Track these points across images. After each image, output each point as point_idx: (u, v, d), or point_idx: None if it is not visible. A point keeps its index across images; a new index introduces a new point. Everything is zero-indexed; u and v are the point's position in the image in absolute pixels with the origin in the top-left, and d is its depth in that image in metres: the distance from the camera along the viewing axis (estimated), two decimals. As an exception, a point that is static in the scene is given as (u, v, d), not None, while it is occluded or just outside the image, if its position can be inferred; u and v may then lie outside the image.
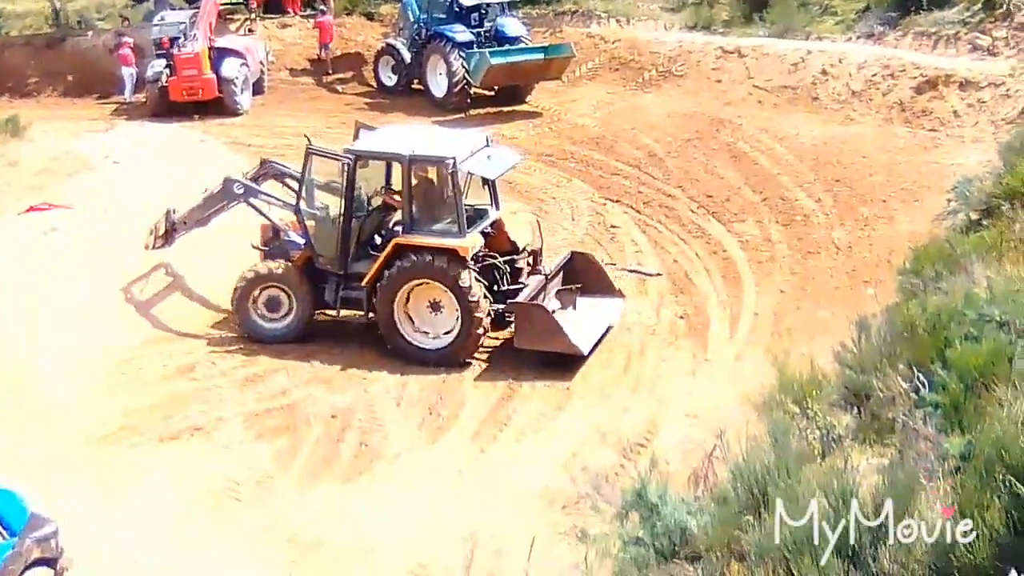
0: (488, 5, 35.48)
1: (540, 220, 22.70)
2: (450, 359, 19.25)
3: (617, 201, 26.38)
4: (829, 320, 19.18)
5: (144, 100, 36.19)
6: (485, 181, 19.95)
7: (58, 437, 17.23)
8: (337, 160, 19.59)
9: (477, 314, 19.04)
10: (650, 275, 22.40)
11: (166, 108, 34.98)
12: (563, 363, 18.97)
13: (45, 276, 22.00)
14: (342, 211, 19.70)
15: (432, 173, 19.87)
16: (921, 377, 11.27)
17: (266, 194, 20.98)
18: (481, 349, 19.55)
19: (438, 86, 34.83)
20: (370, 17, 41.10)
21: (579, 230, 24.79)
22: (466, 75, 33.92)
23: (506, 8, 36.24)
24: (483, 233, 19.79)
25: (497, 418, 17.64)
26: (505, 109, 34.34)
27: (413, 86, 36.15)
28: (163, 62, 35.34)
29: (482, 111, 34.19)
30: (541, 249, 20.67)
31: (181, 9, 39.58)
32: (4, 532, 12.73)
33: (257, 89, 36.78)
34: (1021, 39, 30.54)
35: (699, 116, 31.60)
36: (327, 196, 20.50)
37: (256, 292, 20.20)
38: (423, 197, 19.63)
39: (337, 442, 17.14)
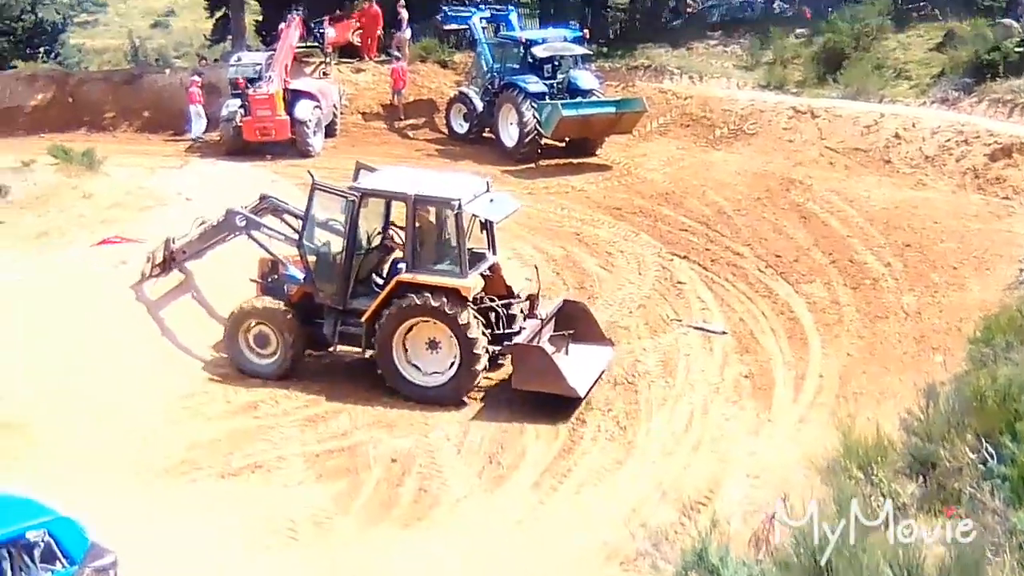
0: (562, 57, 35.62)
1: (535, 267, 22.91)
2: (446, 397, 19.54)
3: (684, 257, 26.31)
4: (896, 386, 19.03)
5: (218, 139, 36.58)
6: (483, 225, 20.42)
7: (121, 469, 17.37)
8: (342, 197, 20.01)
9: (476, 351, 19.37)
10: (716, 333, 22.31)
11: (239, 147, 35.37)
12: (624, 416, 19.02)
13: (114, 309, 22.24)
14: (344, 247, 20.05)
15: (435, 214, 20.16)
16: (989, 448, 11.17)
17: (268, 227, 21.09)
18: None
19: (509, 135, 34.96)
20: (444, 65, 41.37)
21: (645, 285, 24.74)
22: (537, 126, 34.03)
23: (580, 61, 36.37)
24: (481, 276, 20.29)
25: (558, 469, 17.57)
26: (575, 161, 34.38)
27: (484, 134, 36.33)
28: (238, 102, 35.76)
29: (552, 162, 34.27)
30: (538, 294, 20.98)
31: (258, 50, 40.14)
32: (64, 560, 12.78)
33: (329, 132, 37.14)
34: (1096, 110, 30.36)
35: (769, 175, 31.51)
36: (324, 233, 20.82)
37: (246, 327, 20.56)
38: (425, 237, 20.04)
39: (397, 486, 17.14)
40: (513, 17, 38.58)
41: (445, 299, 19.30)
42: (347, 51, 41.89)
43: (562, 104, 33.87)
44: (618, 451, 18.17)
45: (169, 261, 21.60)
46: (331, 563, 15.16)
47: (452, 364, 19.59)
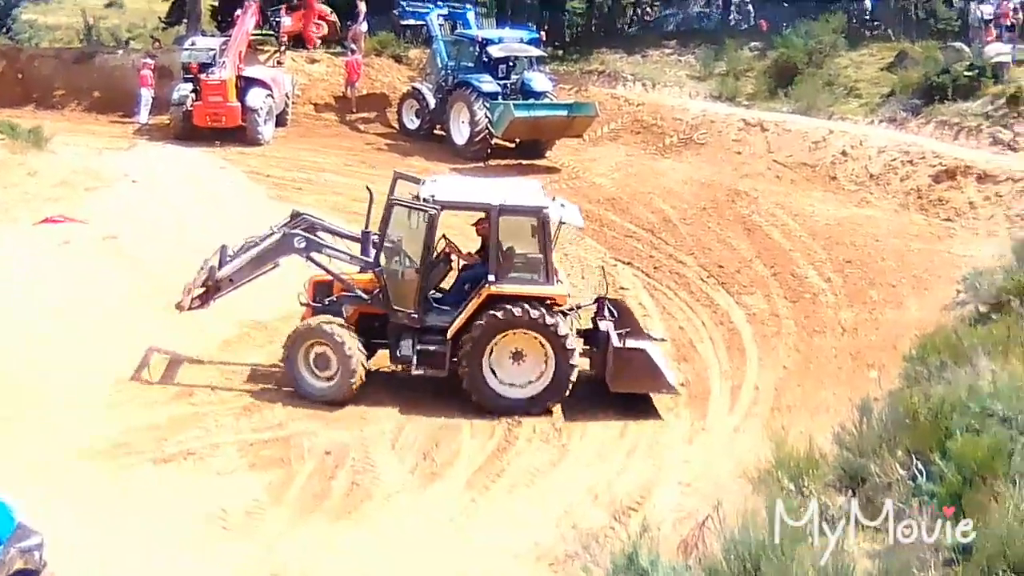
0: (517, 58, 35.72)
1: (605, 267, 22.72)
2: (535, 408, 19.29)
3: (628, 263, 26.43)
4: (830, 400, 19.23)
5: (167, 122, 36.34)
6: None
7: (53, 450, 17.14)
8: (422, 211, 19.23)
9: (572, 362, 19.20)
10: (654, 340, 22.40)
11: (189, 132, 35.19)
12: (562, 419, 19.13)
13: (54, 289, 22.05)
14: (420, 262, 19.40)
15: (517, 222, 19.76)
16: (919, 465, 11.29)
17: (330, 247, 20.19)
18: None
19: (460, 134, 34.99)
20: (398, 60, 41.36)
21: (587, 289, 24.79)
22: (489, 125, 34.07)
23: (534, 63, 36.49)
24: None
25: (491, 469, 17.57)
26: (524, 162, 34.44)
27: (435, 131, 36.36)
28: (190, 86, 35.58)
29: (502, 162, 34.31)
30: (607, 296, 20.95)
31: (213, 35, 39.91)
32: (-10, 540, 12.66)
33: (280, 121, 36.97)
34: (1042, 136, 30.74)
35: (716, 186, 31.71)
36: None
37: (307, 348, 19.39)
38: (507, 247, 19.61)
39: (329, 479, 17.05)
40: (470, 15, 38.61)
41: (542, 309, 19.11)
42: (302, 41, 41.71)
43: (514, 105, 33.97)
44: (553, 453, 18.21)
45: (213, 291, 20.21)
46: (261, 553, 15.08)
47: (541, 374, 19.33)
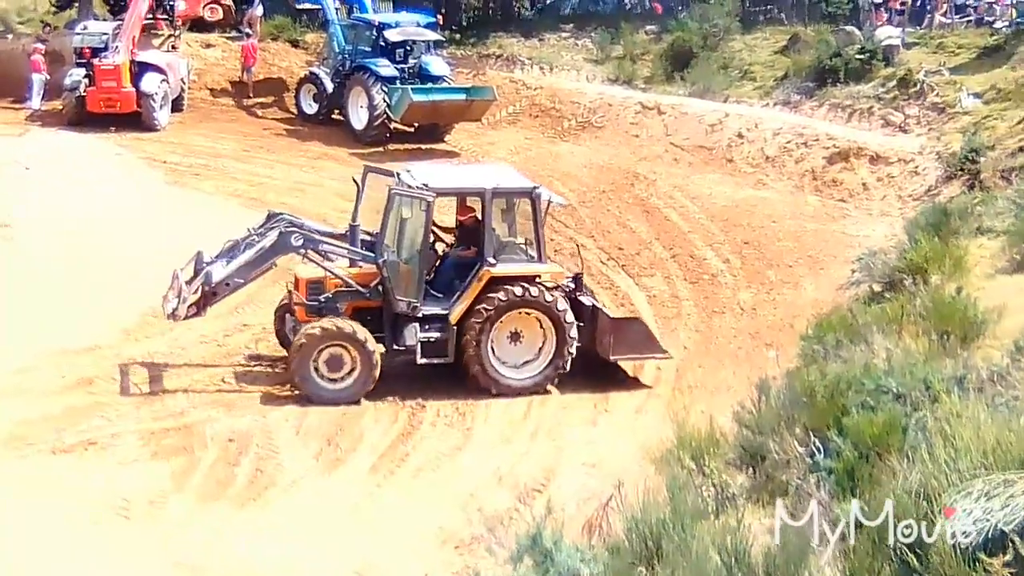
0: (414, 42, 35.60)
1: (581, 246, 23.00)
2: (538, 387, 19.61)
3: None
4: (730, 380, 19.53)
5: (60, 108, 35.75)
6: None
7: (-53, 443, 16.97)
8: (420, 199, 19.28)
9: (572, 336, 19.54)
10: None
11: (82, 118, 34.60)
12: (463, 403, 19.18)
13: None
14: (419, 251, 19.54)
15: (506, 204, 20.26)
16: (817, 442, 11.46)
17: (330, 243, 20.02)
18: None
19: (358, 118, 34.83)
20: (295, 44, 41.03)
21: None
22: (387, 109, 33.97)
23: (432, 47, 36.42)
24: None
25: (395, 454, 17.63)
26: (423, 146, 34.39)
27: (333, 116, 36.13)
28: (83, 71, 34.97)
29: (401, 146, 34.21)
30: (582, 273, 21.19)
31: (105, 20, 39.29)
32: None
33: (176, 106, 36.51)
34: (932, 118, 31.26)
35: (615, 169, 31.93)
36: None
37: (317, 353, 19.04)
38: (498, 229, 20.02)
39: (233, 466, 17.00)
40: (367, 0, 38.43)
41: (542, 288, 19.41)
42: (197, 25, 41.24)
43: (412, 89, 33.88)
44: (457, 437, 18.31)
45: (209, 298, 19.68)
46: (163, 541, 14.99)
47: (539, 353, 19.63)
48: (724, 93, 36.08)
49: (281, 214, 20.59)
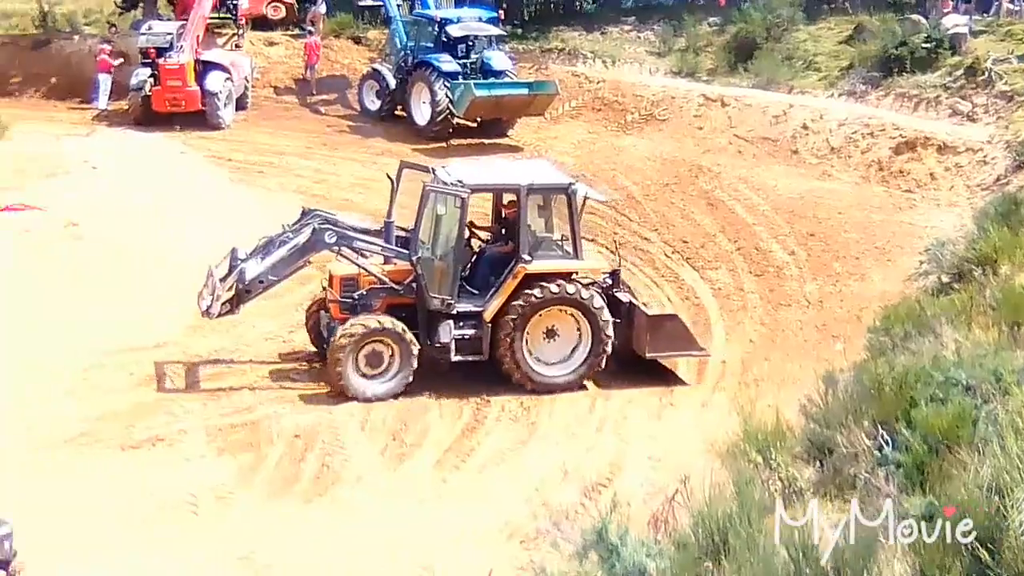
0: (476, 37, 35.58)
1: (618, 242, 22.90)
2: (573, 384, 19.51)
3: (592, 240, 26.29)
4: (797, 373, 19.34)
5: (127, 107, 36.09)
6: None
7: (18, 439, 17.15)
8: (455, 195, 19.25)
9: (608, 333, 19.42)
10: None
11: (148, 117, 34.94)
12: (529, 397, 19.12)
13: (13, 278, 21.97)
14: (453, 248, 19.46)
15: (543, 200, 20.07)
16: (885, 435, 11.33)
17: (364, 240, 19.91)
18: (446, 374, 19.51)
19: (421, 114, 34.86)
20: (357, 41, 41.13)
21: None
22: (450, 105, 33.96)
23: (494, 41, 36.37)
24: None
25: (461, 448, 17.64)
26: (486, 141, 34.39)
27: (396, 112, 36.18)
28: (148, 71, 35.28)
29: (464, 142, 34.21)
30: (619, 269, 20.94)
31: (170, 20, 39.59)
32: (-42, 531, 12.60)
33: (240, 105, 36.74)
34: (1000, 107, 30.88)
35: (679, 161, 31.75)
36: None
37: (357, 351, 18.94)
38: (534, 225, 19.88)
39: (299, 462, 17.09)
40: (429, -5, 38.50)
41: (576, 284, 19.33)
42: (260, 23, 41.50)
43: (475, 84, 33.87)
44: (521, 431, 18.29)
45: (243, 295, 19.53)
46: (231, 537, 15.08)
47: (575, 350, 19.52)
48: (788, 84, 35.81)
49: (315, 211, 20.45)
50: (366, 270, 19.66)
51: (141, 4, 44.45)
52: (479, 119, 35.18)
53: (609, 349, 19.60)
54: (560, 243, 20.02)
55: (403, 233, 19.97)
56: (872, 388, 12.58)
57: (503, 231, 20.42)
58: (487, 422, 18.50)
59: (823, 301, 23.24)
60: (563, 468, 16.92)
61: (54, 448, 17.04)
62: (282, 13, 41.41)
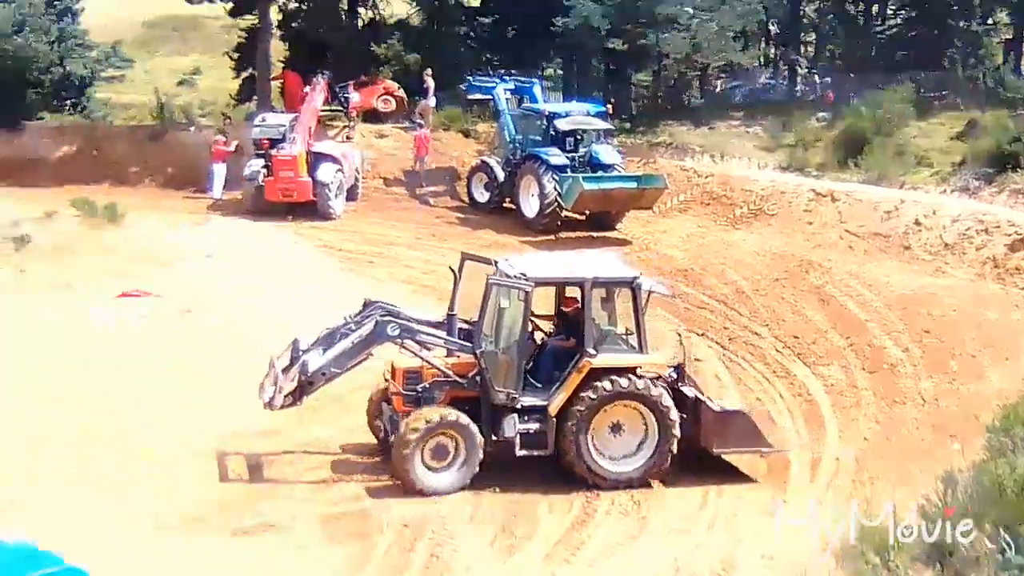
0: (584, 131, 35.81)
1: (682, 335, 22.78)
2: (637, 480, 19.21)
3: (702, 335, 26.31)
4: (913, 472, 18.94)
5: (240, 197, 36.76)
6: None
7: (132, 521, 17.33)
8: (519, 288, 19.13)
9: (675, 432, 19.17)
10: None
11: (261, 207, 35.54)
12: (638, 492, 18.98)
13: (130, 362, 22.33)
14: (517, 340, 19.32)
15: (606, 293, 19.93)
16: (1007, 538, 11.10)
17: (427, 332, 19.82)
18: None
19: (530, 207, 35.05)
20: (466, 134, 41.58)
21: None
22: (558, 198, 34.10)
23: (602, 135, 36.60)
24: None
25: (571, 541, 17.43)
26: (595, 235, 34.45)
27: (504, 204, 36.44)
28: (261, 162, 35.95)
29: (572, 235, 34.34)
30: (685, 363, 20.72)
31: (283, 112, 40.39)
32: (73, 612, 12.71)
33: (351, 195, 37.24)
34: (1117, 205, 30.45)
35: (789, 256, 31.51)
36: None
37: (423, 444, 18.72)
38: (598, 319, 19.70)
39: (408, 552, 17.00)
40: (537, 90, 38.86)
41: (645, 379, 19.19)
42: (370, 116, 42.17)
43: (583, 177, 34.01)
44: (632, 526, 18.06)
45: (305, 387, 19.31)
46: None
47: (641, 446, 19.27)
48: (899, 179, 35.56)
49: (377, 302, 20.26)
50: (429, 363, 19.50)
51: (255, 97, 45.48)
52: (587, 212, 35.27)
53: (676, 445, 19.29)
54: (624, 337, 19.81)
55: (465, 325, 19.88)
56: (993, 489, 12.34)
57: (564, 324, 20.25)
58: (597, 515, 18.30)
59: (939, 399, 22.79)
60: (674, 564, 16.64)
61: (167, 531, 17.18)
62: (392, 106, 42.06)
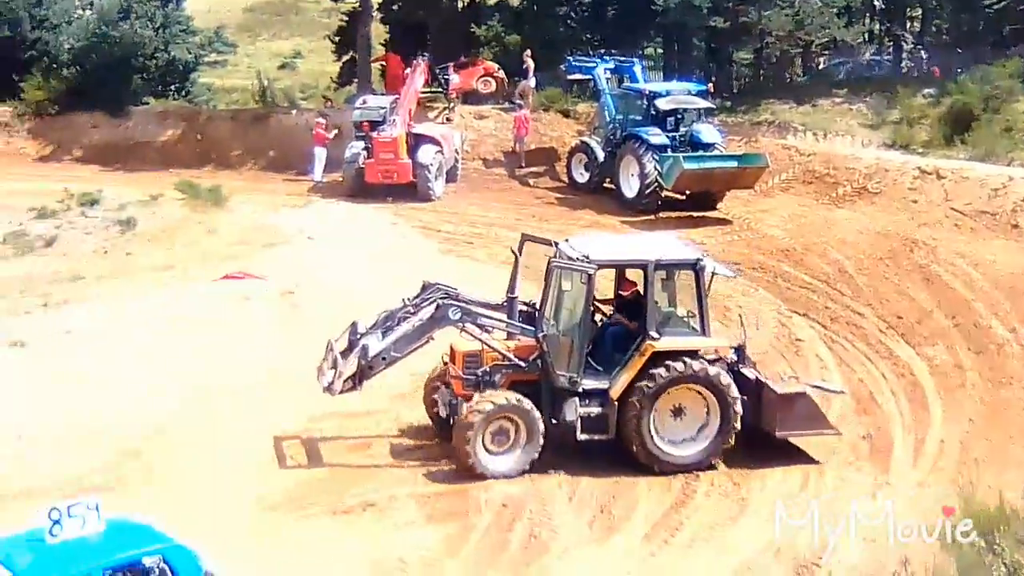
0: (685, 110, 35.57)
1: (743, 315, 22.50)
2: (699, 464, 18.98)
3: (804, 315, 26.02)
4: (1020, 454, 18.61)
5: (341, 180, 37.06)
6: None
7: (234, 500, 17.54)
8: (581, 271, 18.89)
9: (737, 411, 18.92)
10: (834, 392, 21.90)
11: (361, 189, 35.84)
12: (738, 473, 18.84)
13: (235, 343, 22.61)
14: (580, 324, 19.11)
15: (667, 276, 19.62)
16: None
17: (488, 315, 19.50)
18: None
19: (629, 187, 34.93)
20: (566, 114, 41.49)
21: (763, 341, 24.44)
22: (658, 178, 33.94)
23: (703, 114, 36.29)
24: None
25: (669, 523, 17.34)
26: (695, 214, 34.28)
27: (604, 184, 36.36)
28: (361, 144, 36.23)
29: (672, 215, 34.18)
30: (744, 345, 20.33)
31: (383, 94, 40.63)
32: (179, 588, 12.92)
33: (450, 177, 37.40)
34: None
35: (893, 235, 30.98)
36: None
37: (485, 428, 18.56)
38: (660, 301, 19.44)
39: (507, 532, 17.02)
40: (637, 69, 38.72)
41: (706, 362, 19.01)
42: (470, 97, 42.26)
43: (684, 157, 33.79)
44: (732, 507, 17.91)
45: (365, 372, 19.21)
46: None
47: (702, 428, 19.05)
48: (1008, 156, 34.76)
49: (436, 284, 19.88)
50: (490, 346, 19.33)
51: (355, 80, 45.79)
52: (688, 192, 35.09)
53: (738, 427, 19.02)
54: (686, 319, 19.53)
55: (526, 308, 19.75)
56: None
57: (623, 306, 20.01)
58: (696, 497, 18.18)
59: (1047, 381, 22.35)
60: (774, 545, 16.49)
61: (269, 511, 17.41)
62: (492, 87, 42.20)
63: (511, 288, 19.97)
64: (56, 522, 12.45)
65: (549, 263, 19.37)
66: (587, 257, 19.04)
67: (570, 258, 19.23)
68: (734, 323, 24.83)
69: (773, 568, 15.76)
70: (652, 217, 33.70)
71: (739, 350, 20.07)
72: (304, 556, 16.05)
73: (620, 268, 20.17)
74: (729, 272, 21.09)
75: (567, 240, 20.42)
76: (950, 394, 22.11)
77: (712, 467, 19.02)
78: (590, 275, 18.80)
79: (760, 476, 18.78)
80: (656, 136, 34.53)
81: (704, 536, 17.05)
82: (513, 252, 20.22)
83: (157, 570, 12.95)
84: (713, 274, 19.54)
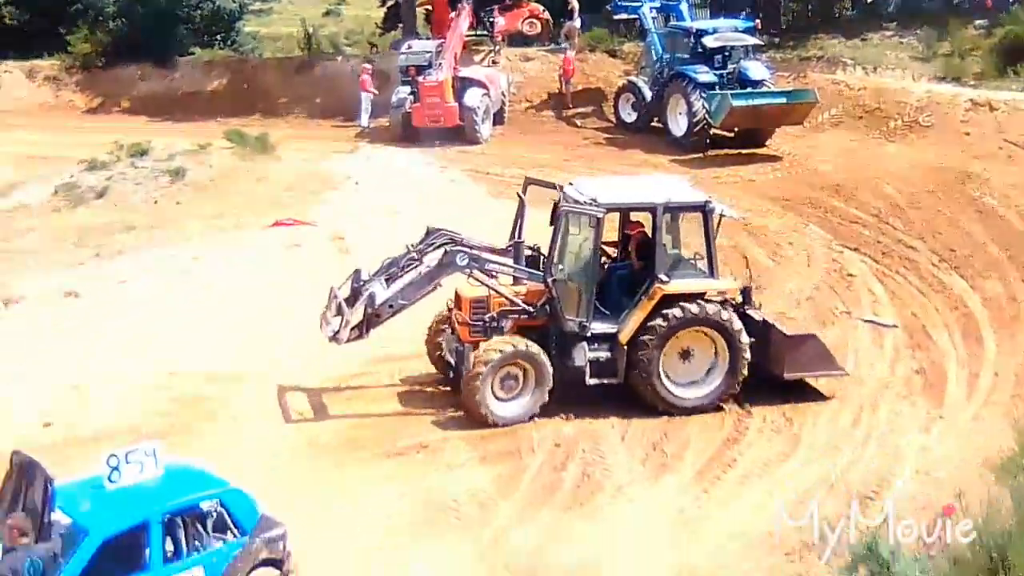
0: (732, 47, 35.18)
1: (746, 257, 22.58)
2: (708, 407, 18.89)
3: (855, 250, 25.82)
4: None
5: (387, 125, 37.07)
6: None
7: (289, 444, 17.78)
8: (590, 215, 18.70)
9: (746, 355, 18.78)
10: (886, 326, 21.83)
11: (409, 134, 35.83)
12: (790, 409, 18.79)
13: (285, 289, 22.74)
14: (588, 268, 18.95)
15: (675, 219, 19.45)
16: None
17: (495, 261, 19.32)
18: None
19: (678, 125, 34.72)
20: (613, 54, 41.27)
21: (815, 276, 24.34)
22: (707, 116, 33.70)
23: (751, 51, 35.89)
24: None
25: (722, 459, 17.37)
26: (744, 152, 34.00)
27: (652, 124, 36.13)
28: (408, 89, 36.22)
29: (721, 152, 33.94)
30: (751, 287, 20.23)
31: (428, 39, 40.53)
32: (235, 530, 13.11)
33: (498, 119, 37.37)
34: None
35: (945, 168, 30.64)
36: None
37: (495, 374, 18.43)
38: (668, 244, 19.28)
39: (559, 471, 17.08)
40: (683, 7, 38.26)
41: (715, 305, 18.84)
42: (516, 39, 42.06)
43: (732, 94, 33.49)
44: (784, 443, 17.88)
45: (371, 320, 18.96)
46: (492, 544, 15.20)
47: (710, 371, 18.95)
48: (1062, 87, 34.34)
49: (440, 230, 19.64)
50: (498, 292, 19.13)
51: (400, 24, 45.68)
52: (736, 129, 34.80)
53: (746, 370, 18.87)
54: (694, 261, 19.29)
55: (532, 253, 19.62)
56: None
57: (628, 249, 19.83)
58: (748, 433, 18.17)
59: (1102, 311, 22.13)
60: (828, 480, 16.47)
61: (324, 453, 17.58)
62: (538, 29, 41.94)
63: (516, 232, 19.78)
64: (115, 468, 12.67)
65: (557, 207, 19.23)
66: (595, 201, 18.88)
67: (577, 202, 19.03)
68: (785, 259, 24.84)
69: (828, 502, 15.68)
70: (701, 155, 33.46)
71: (745, 291, 19.89)
72: (358, 498, 16.21)
73: (629, 211, 20.06)
74: (737, 214, 20.84)
75: (571, 183, 20.08)
76: (1004, 327, 21.93)
77: (720, 408, 18.91)
78: (599, 219, 18.63)
79: (813, 412, 18.75)
80: (704, 74, 34.24)
81: (757, 472, 17.06)
82: (519, 196, 20.06)
83: (214, 514, 13.20)
84: (721, 216, 19.39)
